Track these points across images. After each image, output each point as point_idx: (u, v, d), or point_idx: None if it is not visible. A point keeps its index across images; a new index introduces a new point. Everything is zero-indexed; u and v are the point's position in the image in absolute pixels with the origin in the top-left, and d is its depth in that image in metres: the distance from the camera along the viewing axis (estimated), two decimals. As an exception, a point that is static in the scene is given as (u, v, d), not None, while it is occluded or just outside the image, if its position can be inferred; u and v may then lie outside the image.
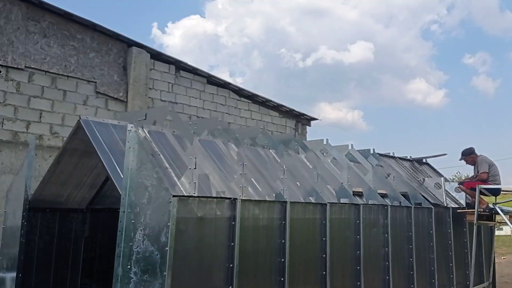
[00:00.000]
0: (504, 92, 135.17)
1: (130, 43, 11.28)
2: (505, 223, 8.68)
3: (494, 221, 8.77)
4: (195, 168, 5.04)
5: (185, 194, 4.61)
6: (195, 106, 12.81)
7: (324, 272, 5.95)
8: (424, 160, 10.72)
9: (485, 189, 8.61)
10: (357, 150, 8.69)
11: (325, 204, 6.11)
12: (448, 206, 8.72)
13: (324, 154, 8.39)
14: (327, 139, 8.23)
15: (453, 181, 9.83)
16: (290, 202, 5.62)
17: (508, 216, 8.20)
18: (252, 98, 14.34)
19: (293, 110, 15.58)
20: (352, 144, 8.45)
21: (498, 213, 8.21)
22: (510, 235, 24.12)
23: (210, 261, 4.59)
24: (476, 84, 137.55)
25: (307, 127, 16.27)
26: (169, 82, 12.30)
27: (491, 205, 8.51)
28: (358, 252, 6.54)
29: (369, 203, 7.21)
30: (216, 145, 6.21)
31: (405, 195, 8.29)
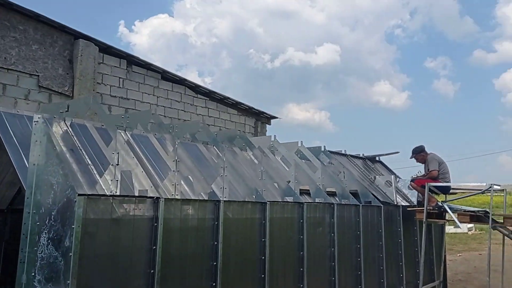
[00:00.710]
0: (463, 95, 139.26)
1: (77, 35, 10.65)
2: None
3: (445, 219, 8.62)
4: (117, 164, 4.58)
5: (98, 193, 4.14)
6: (148, 103, 12.27)
7: (263, 275, 5.58)
8: (377, 158, 10.53)
9: (435, 187, 8.45)
10: (308, 148, 8.38)
11: (265, 203, 5.74)
12: (399, 204, 8.53)
13: (274, 152, 8.04)
14: (275, 135, 7.89)
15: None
16: (225, 201, 5.22)
17: (457, 214, 8.05)
18: (210, 95, 13.89)
19: (253, 108, 15.22)
20: (301, 141, 8.13)
21: (447, 211, 8.05)
22: (467, 233, 24.47)
23: (127, 267, 4.13)
24: (437, 87, 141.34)
25: (267, 125, 15.97)
26: (120, 77, 11.71)
27: (440, 203, 8.36)
28: (302, 252, 6.21)
29: (316, 201, 6.90)
30: (149, 140, 5.74)
31: (355, 194, 8.04)
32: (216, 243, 5.01)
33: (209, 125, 14.05)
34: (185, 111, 13.17)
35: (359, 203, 7.43)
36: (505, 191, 8.65)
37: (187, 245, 4.75)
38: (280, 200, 6.32)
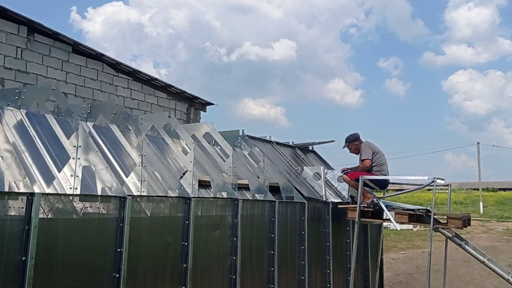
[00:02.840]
0: (413, 95, 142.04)
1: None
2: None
3: (382, 218, 7.16)
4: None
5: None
6: (54, 78, 10.27)
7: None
8: (310, 148, 9.03)
9: (371, 180, 7.03)
10: (223, 132, 6.76)
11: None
12: (328, 200, 7.02)
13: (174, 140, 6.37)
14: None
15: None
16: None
17: (394, 213, 6.64)
18: (133, 74, 12.00)
19: (185, 92, 13.43)
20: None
21: (382, 209, 6.62)
22: (412, 229, 23.66)
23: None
24: (389, 86, 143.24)
25: (202, 112, 14.23)
26: (18, 47, 9.68)
27: (376, 200, 6.92)
28: (185, 265, 4.54)
29: (217, 196, 5.28)
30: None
31: (277, 188, 6.49)
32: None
33: (131, 108, 12.22)
34: (102, 91, 11.22)
35: (275, 199, 5.84)
36: (449, 187, 7.33)
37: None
38: (155, 195, 4.64)
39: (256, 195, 5.87)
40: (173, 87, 13.00)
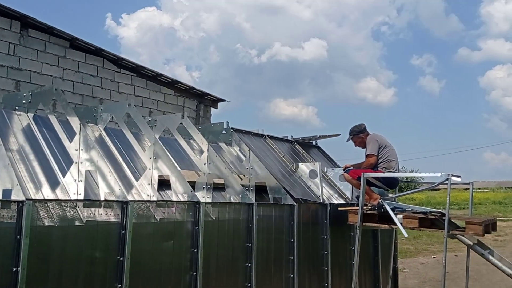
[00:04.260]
0: (448, 93, 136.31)
1: None
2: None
3: (390, 223, 6.06)
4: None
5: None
6: (50, 75, 9.75)
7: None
8: (314, 143, 7.99)
9: (376, 179, 5.98)
10: (205, 125, 5.89)
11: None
12: (326, 202, 6.01)
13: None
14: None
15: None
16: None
17: (402, 216, 5.56)
18: (137, 70, 11.35)
19: (193, 88, 12.67)
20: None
21: (387, 212, 5.56)
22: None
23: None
24: (423, 84, 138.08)
25: (213, 109, 13.40)
26: (10, 42, 9.19)
27: (381, 201, 5.85)
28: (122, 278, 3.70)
29: (178, 199, 4.40)
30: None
31: (264, 188, 5.57)
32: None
33: (135, 106, 11.58)
34: (102, 88, 10.62)
35: (252, 202, 4.91)
36: (471, 186, 6.16)
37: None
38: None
39: (233, 196, 4.96)
40: (181, 83, 12.27)
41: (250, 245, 4.75)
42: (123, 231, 3.59)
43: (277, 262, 5.15)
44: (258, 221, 4.88)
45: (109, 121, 5.05)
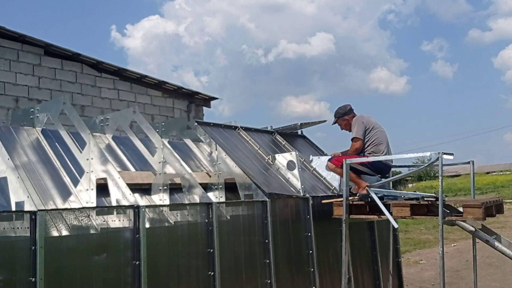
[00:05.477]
0: (462, 76, 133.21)
1: None
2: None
3: (379, 213, 5.29)
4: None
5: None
6: (25, 85, 9.30)
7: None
8: (299, 132, 7.27)
9: (361, 164, 5.27)
10: (174, 120, 5.27)
11: None
12: (306, 195, 5.31)
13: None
14: (64, 102, 4.93)
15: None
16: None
17: (392, 204, 4.84)
18: (120, 73, 10.83)
19: (182, 88, 12.10)
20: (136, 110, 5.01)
21: (374, 201, 4.84)
22: (466, 217, 20.84)
23: None
24: (436, 69, 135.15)
25: (205, 108, 12.80)
26: (-21, 54, 8.79)
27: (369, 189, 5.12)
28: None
29: (114, 204, 3.78)
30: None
31: (232, 185, 4.93)
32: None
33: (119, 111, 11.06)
34: (82, 94, 10.12)
35: (211, 201, 4.26)
36: (471, 165, 5.38)
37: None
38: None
39: (188, 196, 4.33)
40: (168, 83, 11.70)
41: (211, 250, 4.10)
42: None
43: (249, 268, 4.49)
44: (222, 223, 4.24)
45: (45, 122, 4.49)
